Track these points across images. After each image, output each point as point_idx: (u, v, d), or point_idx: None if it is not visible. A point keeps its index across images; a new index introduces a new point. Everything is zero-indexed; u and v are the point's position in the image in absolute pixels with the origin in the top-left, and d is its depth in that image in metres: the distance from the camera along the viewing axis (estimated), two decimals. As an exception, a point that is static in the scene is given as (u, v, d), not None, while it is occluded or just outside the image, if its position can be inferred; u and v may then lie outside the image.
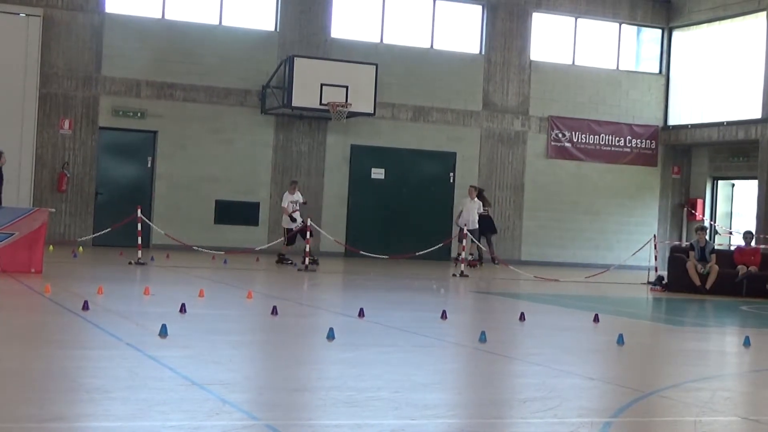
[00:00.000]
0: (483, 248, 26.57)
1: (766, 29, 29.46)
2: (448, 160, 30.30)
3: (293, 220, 23.95)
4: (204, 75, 28.03)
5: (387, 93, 29.02)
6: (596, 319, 14.00)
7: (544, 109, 31.38)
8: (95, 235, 25.27)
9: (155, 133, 27.83)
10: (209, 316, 12.75)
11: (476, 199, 26.57)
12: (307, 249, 22.61)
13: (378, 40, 29.78)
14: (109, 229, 23.47)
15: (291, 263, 23.56)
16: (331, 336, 10.62)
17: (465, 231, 24.03)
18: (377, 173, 29.62)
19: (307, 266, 22.21)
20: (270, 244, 25.39)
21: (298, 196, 24.30)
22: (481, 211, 26.70)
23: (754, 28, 30.08)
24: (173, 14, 28.05)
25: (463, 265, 23.06)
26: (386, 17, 29.91)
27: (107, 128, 27.55)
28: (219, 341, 10.50)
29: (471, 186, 27.54)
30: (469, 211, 26.36)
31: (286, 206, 24.15)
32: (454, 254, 27.81)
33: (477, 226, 26.16)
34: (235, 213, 28.07)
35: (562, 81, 31.59)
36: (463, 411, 7.69)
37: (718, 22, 31.49)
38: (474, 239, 25.38)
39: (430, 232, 28.41)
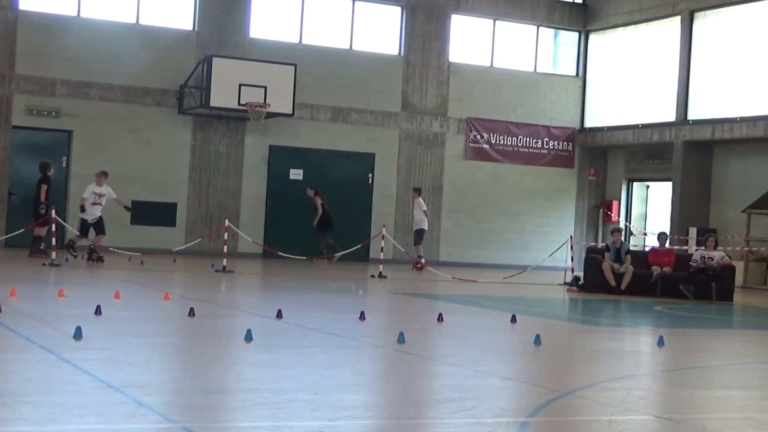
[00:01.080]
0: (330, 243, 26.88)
1: (681, 33, 29.95)
2: (367, 161, 30.33)
3: (83, 210, 22.90)
4: (121, 74, 27.70)
5: (306, 93, 28.95)
6: (513, 319, 14.09)
7: (462, 110, 31.55)
8: (8, 236, 24.81)
9: (70, 132, 27.45)
10: (125, 318, 12.59)
11: (420, 199, 27.07)
12: (93, 245, 22.63)
13: (297, 41, 29.71)
14: (22, 230, 23.07)
15: (93, 258, 22.69)
16: (248, 338, 10.55)
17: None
18: (296, 174, 29.53)
19: (89, 259, 22.30)
20: (187, 245, 25.18)
21: (106, 190, 23.06)
22: (424, 208, 27.04)
23: (670, 32, 30.57)
24: (89, 12, 27.68)
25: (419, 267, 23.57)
26: (305, 18, 29.85)
27: (21, 127, 27.10)
28: (135, 343, 10.38)
29: (413, 188, 28.02)
30: (414, 212, 26.94)
31: (87, 197, 22.97)
32: (373, 255, 27.84)
33: (422, 226, 26.60)
34: (151, 214, 27.77)
35: (480, 83, 31.80)
36: (382, 412, 7.68)
37: (634, 26, 31.95)
38: (417, 240, 26.08)
39: (349, 234, 28.39)
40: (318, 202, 27.02)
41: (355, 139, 30.16)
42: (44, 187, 23.39)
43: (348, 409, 7.43)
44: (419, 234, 27.01)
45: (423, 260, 26.46)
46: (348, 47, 30.29)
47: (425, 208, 27.39)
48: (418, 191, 27.86)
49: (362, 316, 13.29)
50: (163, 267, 22.84)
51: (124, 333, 11.15)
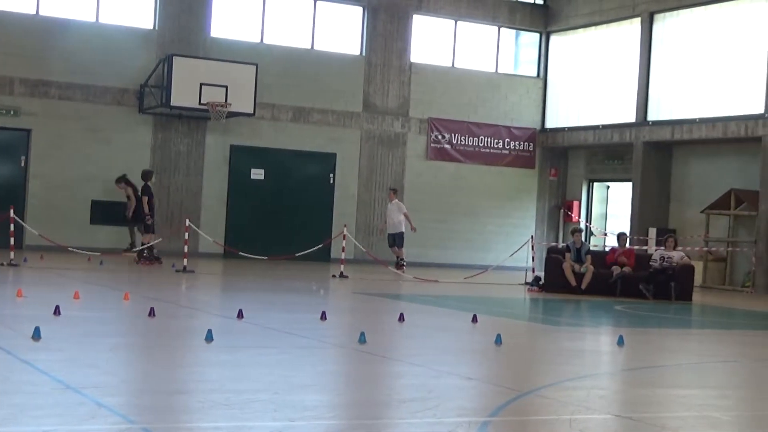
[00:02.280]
0: None
1: (641, 35, 30.14)
2: (328, 161, 30.30)
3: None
4: (81, 73, 27.49)
5: (267, 93, 28.87)
6: (475, 319, 14.13)
7: (424, 110, 31.59)
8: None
9: (29, 131, 27.21)
10: (85, 319, 12.51)
11: (396, 200, 26.80)
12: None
13: (258, 40, 29.62)
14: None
15: None
16: (209, 338, 10.51)
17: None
18: (257, 174, 29.45)
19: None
20: (147, 245, 25.03)
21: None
22: (404, 210, 26.82)
23: (630, 34, 30.75)
24: (48, 10, 27.47)
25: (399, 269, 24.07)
26: (267, 17, 29.76)
27: (-21, 126, 26.87)
28: (94, 344, 10.31)
29: (390, 189, 27.84)
30: (390, 215, 26.65)
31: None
32: (334, 255, 27.79)
33: (402, 229, 26.36)
34: (111, 213, 27.56)
35: (442, 83, 31.85)
36: (343, 412, 7.67)
37: (594, 27, 32.11)
38: (399, 243, 26.19)
39: (310, 233, 28.35)
40: (129, 192, 25.98)
41: (317, 139, 30.11)
42: (145, 199, 23.79)
43: (309, 410, 7.41)
44: (401, 237, 26.60)
45: (403, 262, 26.41)
46: (309, 47, 30.23)
47: (405, 210, 27.00)
48: (394, 191, 27.36)
49: (323, 316, 13.28)
50: (122, 267, 22.71)
51: (83, 333, 11.08)
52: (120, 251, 25.69)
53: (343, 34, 30.91)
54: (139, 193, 24.56)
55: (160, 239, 24.23)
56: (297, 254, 25.07)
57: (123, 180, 26.14)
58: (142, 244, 24.08)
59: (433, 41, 32.16)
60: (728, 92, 27.82)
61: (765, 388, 10.15)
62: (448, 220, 31.70)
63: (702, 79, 28.61)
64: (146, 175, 24.32)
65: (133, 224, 25.80)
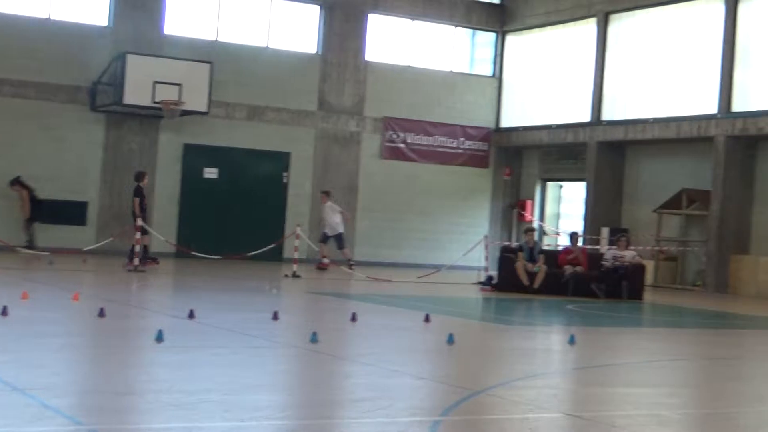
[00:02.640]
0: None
1: (596, 35, 30.29)
2: (282, 160, 30.20)
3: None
4: (33, 70, 27.19)
5: (222, 92, 28.71)
6: (427, 318, 14.13)
7: (379, 110, 31.57)
8: None
9: (-19, 129, 26.91)
10: (33, 319, 12.37)
11: (330, 202, 26.74)
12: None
13: (213, 38, 29.46)
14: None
15: None
16: (159, 338, 10.43)
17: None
18: (210, 173, 29.30)
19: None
20: (98, 244, 24.84)
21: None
22: (339, 210, 26.79)
23: (585, 34, 30.90)
24: (0, 7, 27.16)
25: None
26: (222, 15, 29.62)
27: (-72, 123, 26.53)
28: (42, 344, 10.20)
29: (321, 192, 27.73)
30: (326, 217, 26.60)
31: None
32: (287, 255, 27.70)
33: (340, 230, 26.32)
34: (61, 212, 27.29)
35: (397, 82, 31.84)
36: (294, 412, 7.64)
37: (550, 27, 32.25)
38: (340, 244, 26.16)
39: (263, 233, 28.24)
40: (24, 194, 26.13)
41: (271, 138, 30.00)
42: (137, 200, 23.34)
43: (260, 410, 7.38)
44: (340, 238, 26.61)
45: (352, 262, 26.39)
46: (265, 45, 30.12)
47: (340, 209, 27.04)
48: (326, 194, 27.25)
49: (276, 316, 13.23)
50: (72, 267, 22.50)
51: (31, 334, 10.96)
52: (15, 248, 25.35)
53: (300, 32, 30.80)
54: (133, 194, 24.11)
55: (147, 242, 23.79)
56: (250, 254, 24.95)
57: (17, 182, 26.34)
58: (133, 247, 23.69)
59: (390, 40, 32.15)
60: (682, 92, 28.04)
61: (714, 387, 10.23)
62: (402, 220, 31.70)
63: (656, 80, 28.81)
64: (139, 177, 24.14)
65: (30, 223, 26.14)
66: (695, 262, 27.75)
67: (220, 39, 29.55)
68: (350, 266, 26.01)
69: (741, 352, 14.05)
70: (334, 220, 26.53)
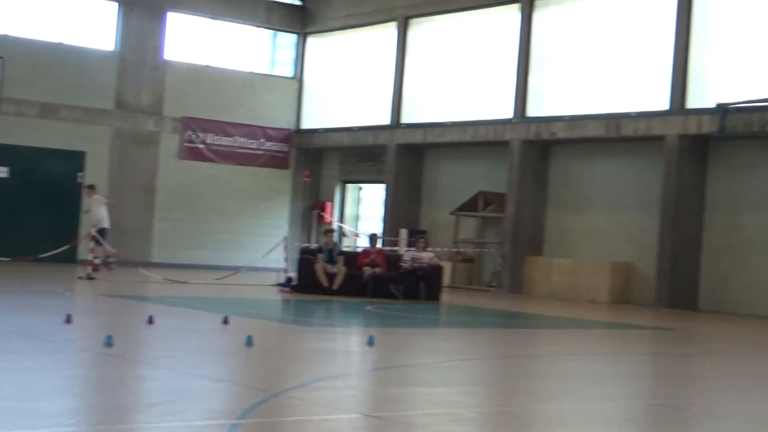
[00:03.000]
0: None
1: (397, 39, 30.66)
2: (76, 160, 29.39)
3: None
4: None
5: (12, 88, 27.71)
6: (225, 320, 13.99)
7: (178, 109, 31.13)
8: None
9: None
10: None
11: (96, 195, 25.93)
12: None
13: (3, 32, 28.45)
14: None
15: None
16: (-56, 343, 9.99)
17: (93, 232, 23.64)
18: (0, 172, 28.30)
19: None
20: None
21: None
22: (106, 201, 26.00)
23: (386, 38, 31.24)
24: None
25: (90, 268, 22.56)
26: (13, 8, 28.63)
27: None
28: None
29: (86, 186, 26.95)
30: (93, 209, 25.74)
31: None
32: (81, 256, 26.97)
33: (105, 224, 25.55)
34: None
35: (197, 82, 31.48)
36: (87, 417, 7.42)
37: (351, 30, 32.46)
38: (100, 240, 24.69)
39: (56, 234, 27.43)
40: None
41: (64, 136, 29.16)
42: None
43: (51, 416, 7.14)
44: (104, 233, 25.67)
45: (111, 260, 25.56)
46: (59, 41, 29.27)
47: (107, 200, 26.22)
48: (91, 188, 26.42)
49: (69, 319, 12.84)
50: None
51: None
52: None
53: (96, 28, 30.05)
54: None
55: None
56: (41, 255, 24.18)
57: None
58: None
59: (189, 39, 31.75)
60: (479, 97, 28.68)
61: (508, 385, 10.46)
62: (201, 221, 31.35)
63: (454, 84, 29.38)
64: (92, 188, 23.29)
65: None
66: (491, 263, 28.42)
67: (12, 33, 28.55)
68: (108, 265, 25.13)
69: (533, 351, 14.44)
70: (101, 214, 25.69)
